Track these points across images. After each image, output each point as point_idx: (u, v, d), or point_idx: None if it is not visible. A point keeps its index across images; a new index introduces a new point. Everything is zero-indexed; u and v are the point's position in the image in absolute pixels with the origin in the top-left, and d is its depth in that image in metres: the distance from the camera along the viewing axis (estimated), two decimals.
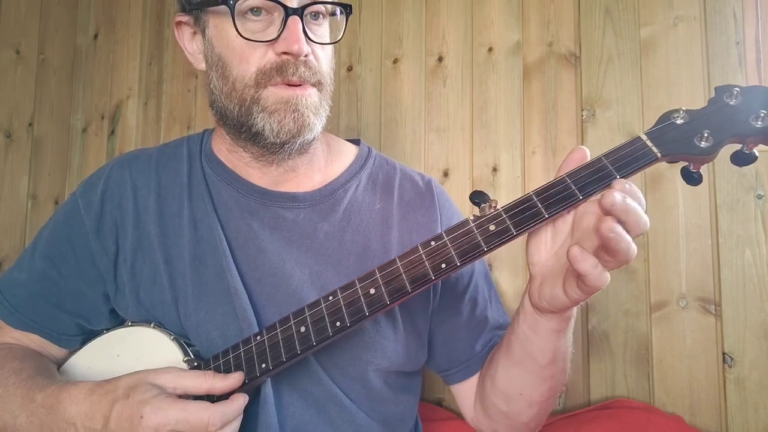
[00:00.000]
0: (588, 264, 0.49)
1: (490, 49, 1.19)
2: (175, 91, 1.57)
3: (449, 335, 0.78)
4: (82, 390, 0.61)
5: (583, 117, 1.09)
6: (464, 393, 0.79)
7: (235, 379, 0.61)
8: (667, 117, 0.56)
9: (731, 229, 0.95)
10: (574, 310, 0.61)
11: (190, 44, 0.74)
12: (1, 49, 1.51)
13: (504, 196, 1.14)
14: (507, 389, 0.69)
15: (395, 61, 1.28)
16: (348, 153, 0.82)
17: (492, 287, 0.83)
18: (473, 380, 0.78)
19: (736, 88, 0.54)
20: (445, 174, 1.20)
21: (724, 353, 0.94)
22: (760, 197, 0.94)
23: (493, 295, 0.82)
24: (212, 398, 0.61)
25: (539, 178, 1.12)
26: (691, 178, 0.56)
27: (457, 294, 0.78)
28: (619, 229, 0.48)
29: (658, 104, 1.03)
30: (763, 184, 0.94)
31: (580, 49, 1.11)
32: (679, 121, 0.55)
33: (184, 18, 0.72)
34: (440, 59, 1.24)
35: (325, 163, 0.79)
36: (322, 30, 0.71)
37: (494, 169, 1.16)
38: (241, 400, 0.60)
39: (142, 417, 0.55)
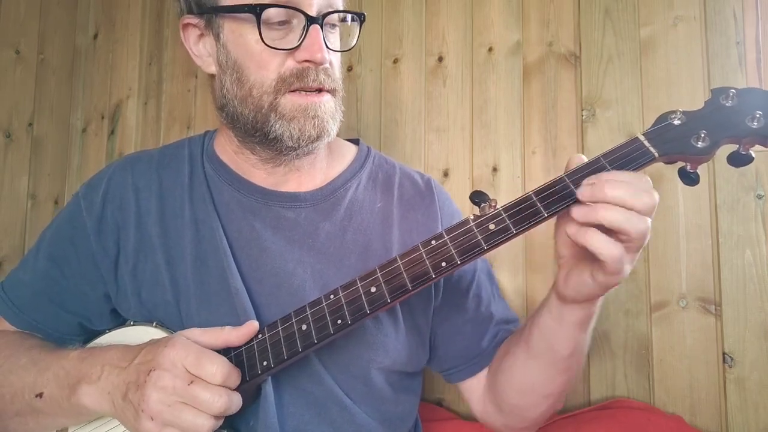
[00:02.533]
0: (591, 238, 0.52)
1: (490, 49, 1.19)
2: (175, 90, 1.57)
3: (454, 333, 0.78)
4: (117, 346, 0.66)
5: (583, 117, 1.09)
6: (472, 389, 0.79)
7: (249, 327, 0.63)
8: (664, 118, 0.57)
9: (731, 229, 0.95)
10: (598, 305, 0.62)
11: (196, 47, 0.73)
12: (1, 49, 1.51)
13: (504, 196, 1.14)
14: (524, 383, 0.70)
15: (395, 61, 1.28)
16: (348, 152, 0.83)
17: (494, 283, 0.83)
18: (480, 375, 0.78)
19: (732, 90, 0.55)
20: (445, 174, 1.20)
21: (724, 353, 0.94)
22: (760, 197, 0.94)
23: (496, 291, 0.83)
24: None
25: (539, 178, 1.12)
26: (688, 178, 0.57)
27: (461, 292, 0.78)
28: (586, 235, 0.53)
29: (658, 104, 1.03)
30: (763, 184, 0.94)
31: (580, 49, 1.11)
32: (676, 122, 0.56)
33: (193, 20, 0.71)
34: (440, 59, 1.24)
35: (326, 163, 0.80)
36: (335, 37, 0.72)
37: (494, 169, 1.16)
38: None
39: (165, 346, 0.59)
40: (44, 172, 1.61)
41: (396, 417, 0.76)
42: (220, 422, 0.59)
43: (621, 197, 0.51)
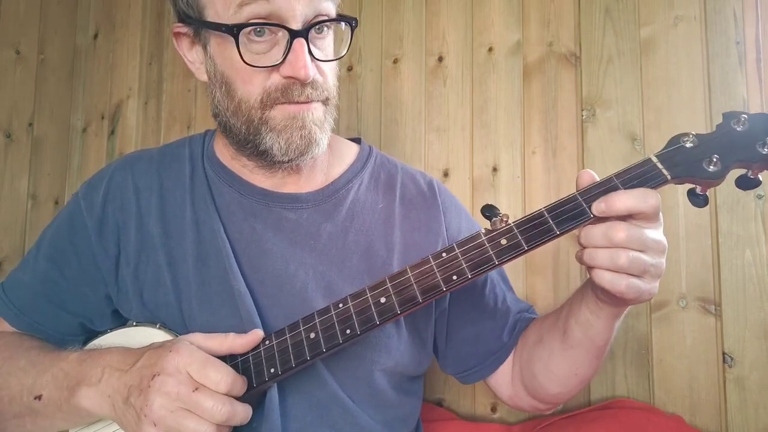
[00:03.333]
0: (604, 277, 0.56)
1: (490, 49, 1.19)
2: (175, 90, 1.57)
3: (476, 333, 0.79)
4: (117, 348, 0.65)
5: (583, 117, 1.09)
6: (497, 378, 0.80)
7: (253, 335, 0.63)
8: (676, 140, 0.58)
9: (731, 229, 0.95)
10: None
11: (190, 53, 0.73)
12: (1, 49, 1.51)
13: (504, 196, 1.14)
14: (562, 372, 0.71)
15: (395, 61, 1.28)
16: (349, 152, 0.83)
17: (506, 278, 0.84)
18: (505, 365, 0.79)
19: (744, 115, 0.56)
20: (445, 174, 1.20)
21: (724, 353, 0.94)
22: (760, 197, 0.94)
23: (507, 284, 0.84)
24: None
25: (539, 178, 1.12)
26: (697, 199, 0.58)
27: (477, 292, 0.79)
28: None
29: (658, 104, 1.03)
30: (763, 184, 0.94)
31: (580, 49, 1.11)
32: (688, 145, 0.57)
33: (183, 29, 0.71)
34: (440, 59, 1.23)
35: (327, 163, 0.79)
36: (326, 42, 0.69)
37: (494, 169, 1.16)
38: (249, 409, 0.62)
39: (170, 351, 0.59)
40: (44, 172, 1.61)
41: (398, 420, 0.76)
42: (226, 431, 0.58)
43: (632, 205, 0.54)
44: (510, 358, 0.79)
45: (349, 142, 0.85)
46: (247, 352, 0.64)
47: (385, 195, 0.79)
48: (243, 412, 0.59)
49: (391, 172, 0.82)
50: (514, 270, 1.12)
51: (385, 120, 1.28)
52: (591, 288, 0.63)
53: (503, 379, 0.80)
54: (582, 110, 1.09)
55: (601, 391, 1.03)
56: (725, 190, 0.96)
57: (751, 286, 0.93)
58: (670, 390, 0.98)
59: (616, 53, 1.07)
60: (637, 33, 1.06)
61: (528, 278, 1.11)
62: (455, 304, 0.78)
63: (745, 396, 0.92)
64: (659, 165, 0.56)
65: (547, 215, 0.57)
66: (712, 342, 0.95)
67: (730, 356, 0.94)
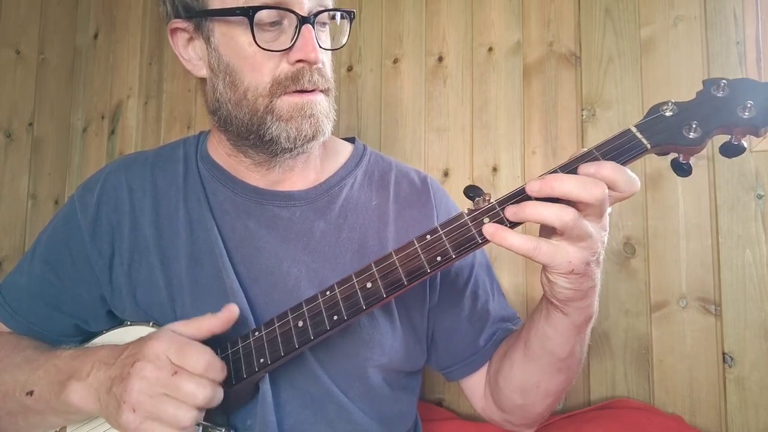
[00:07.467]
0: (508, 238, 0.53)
1: (490, 49, 1.19)
2: (175, 90, 1.57)
3: (451, 331, 0.78)
4: (107, 345, 0.66)
5: (583, 117, 1.09)
6: (472, 386, 0.80)
7: (227, 311, 0.63)
8: (656, 109, 0.57)
9: (731, 229, 0.95)
10: (595, 306, 0.61)
11: (185, 51, 0.73)
12: (1, 49, 1.51)
13: None
14: (524, 383, 0.70)
15: (395, 61, 1.28)
16: (343, 151, 0.83)
17: (494, 280, 0.83)
18: (480, 373, 0.78)
19: (723, 81, 0.55)
20: (445, 174, 1.20)
21: (724, 353, 0.94)
22: (760, 197, 0.94)
23: (495, 288, 0.82)
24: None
25: None
26: (681, 168, 0.57)
27: (458, 289, 0.78)
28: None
29: None
30: (763, 184, 0.94)
31: (580, 49, 1.11)
32: (668, 113, 0.56)
33: (182, 24, 0.71)
34: (440, 59, 1.24)
35: (320, 162, 0.79)
36: (326, 35, 0.72)
37: (494, 169, 1.16)
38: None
39: (151, 339, 0.60)
40: (44, 172, 1.61)
41: (394, 416, 0.76)
42: (203, 414, 0.58)
43: (569, 190, 0.51)
44: (485, 368, 0.78)
45: (344, 141, 0.85)
46: (241, 343, 0.64)
47: (378, 193, 0.79)
48: (220, 394, 0.60)
49: (385, 170, 0.82)
50: (514, 268, 1.12)
51: (385, 120, 1.28)
52: (545, 298, 0.62)
53: (477, 389, 0.79)
54: (582, 110, 1.09)
55: (601, 391, 1.03)
56: (725, 190, 0.96)
57: (751, 286, 0.93)
58: (670, 390, 0.98)
59: (616, 53, 1.07)
60: (637, 33, 1.06)
61: (528, 277, 1.11)
62: (440, 299, 0.78)
63: (745, 396, 0.92)
64: (638, 135, 0.55)
65: (527, 191, 0.56)
66: (712, 342, 0.95)
67: (730, 356, 0.94)
